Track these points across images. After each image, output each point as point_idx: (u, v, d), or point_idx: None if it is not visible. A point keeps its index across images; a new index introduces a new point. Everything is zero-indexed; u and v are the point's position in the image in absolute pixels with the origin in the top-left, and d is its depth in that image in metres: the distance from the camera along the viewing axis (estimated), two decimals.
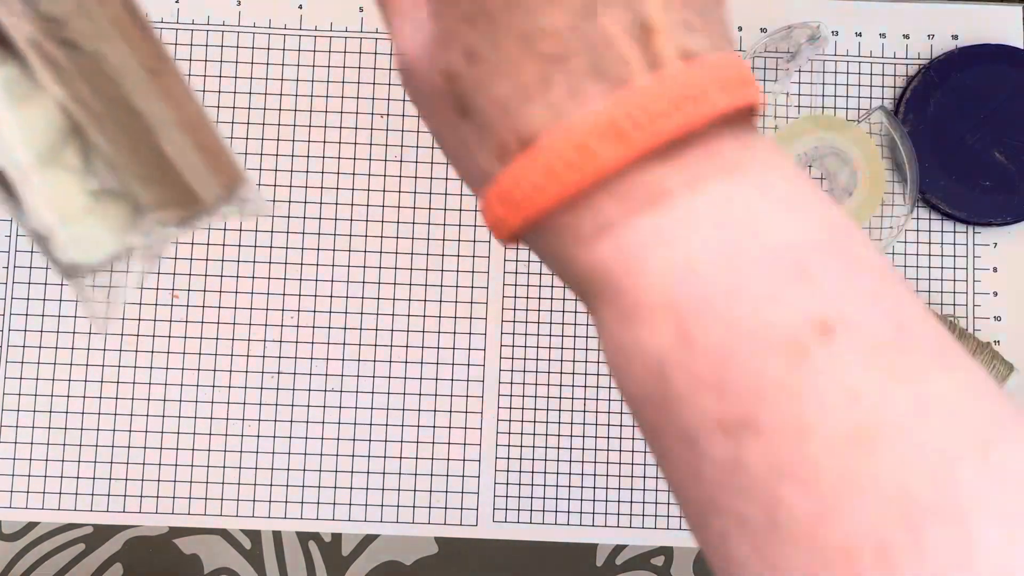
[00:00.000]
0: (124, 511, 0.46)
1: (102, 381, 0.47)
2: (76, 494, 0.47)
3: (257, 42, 0.49)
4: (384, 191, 0.48)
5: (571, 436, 0.47)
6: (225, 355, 0.47)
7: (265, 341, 0.47)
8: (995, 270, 0.49)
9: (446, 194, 0.48)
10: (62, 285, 0.47)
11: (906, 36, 0.50)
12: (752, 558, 0.17)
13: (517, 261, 0.48)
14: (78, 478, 0.47)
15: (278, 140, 0.48)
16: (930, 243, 0.49)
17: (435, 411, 0.47)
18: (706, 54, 0.18)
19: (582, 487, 0.47)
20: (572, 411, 0.48)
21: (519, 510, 0.47)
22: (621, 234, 0.18)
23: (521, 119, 0.18)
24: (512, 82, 0.18)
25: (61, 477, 0.47)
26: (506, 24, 0.18)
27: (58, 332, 0.47)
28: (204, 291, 0.48)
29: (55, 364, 0.47)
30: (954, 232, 0.49)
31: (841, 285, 0.18)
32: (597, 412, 0.48)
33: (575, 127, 0.18)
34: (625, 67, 0.18)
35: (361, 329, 0.48)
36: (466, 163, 0.20)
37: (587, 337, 0.48)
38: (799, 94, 0.50)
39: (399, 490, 0.47)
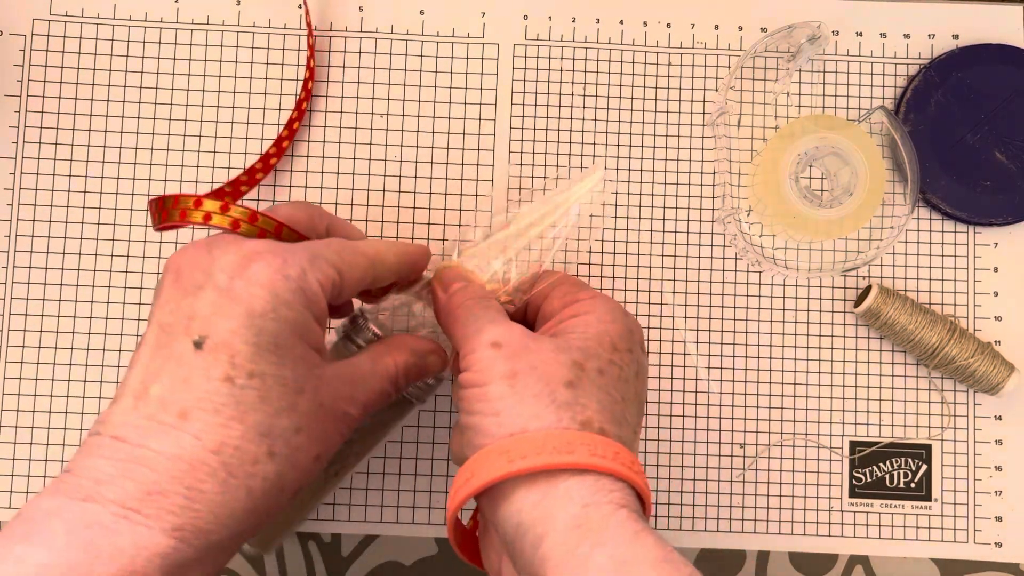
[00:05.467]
0: None
1: (102, 381, 0.47)
2: None
3: (257, 42, 0.49)
4: (384, 191, 0.48)
5: None
6: None
7: None
8: (996, 270, 0.49)
9: (446, 194, 0.48)
10: (61, 285, 0.47)
11: (906, 36, 0.50)
12: None
13: (516, 261, 0.48)
14: None
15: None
16: (930, 243, 0.49)
17: (435, 411, 0.47)
18: (631, 459, 0.33)
19: None
20: None
21: None
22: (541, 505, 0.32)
23: (605, 426, 0.34)
24: (611, 403, 0.34)
25: None
26: (623, 381, 0.35)
27: (57, 332, 0.47)
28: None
29: (55, 364, 0.47)
30: (954, 232, 0.49)
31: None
32: None
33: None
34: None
35: None
36: (544, 413, 0.33)
37: None
38: (799, 94, 0.50)
39: (399, 490, 0.47)
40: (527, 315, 0.40)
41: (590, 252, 0.48)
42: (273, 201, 0.48)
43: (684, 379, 0.48)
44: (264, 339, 0.31)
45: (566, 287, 0.38)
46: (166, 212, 0.35)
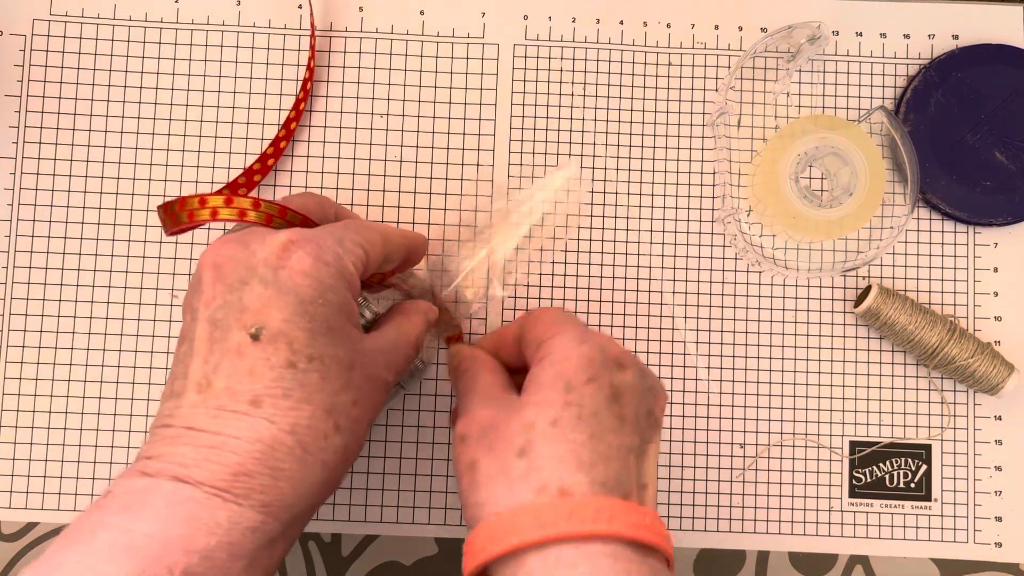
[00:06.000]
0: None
1: (102, 381, 0.47)
2: (76, 494, 0.47)
3: (257, 42, 0.49)
4: (384, 191, 0.48)
5: None
6: None
7: None
8: (995, 270, 0.49)
9: (446, 194, 0.48)
10: (61, 285, 0.47)
11: (906, 36, 0.50)
12: None
13: (516, 261, 0.48)
14: (78, 478, 0.47)
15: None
16: (930, 243, 0.49)
17: (435, 411, 0.47)
18: (657, 520, 0.33)
19: None
20: None
21: None
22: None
23: (567, 480, 0.33)
24: (569, 453, 0.33)
25: (61, 477, 0.47)
26: (584, 424, 0.34)
27: (57, 332, 0.47)
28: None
29: (55, 364, 0.47)
30: (954, 232, 0.49)
31: None
32: None
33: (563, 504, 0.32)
34: (635, 498, 0.34)
35: None
36: (499, 489, 0.33)
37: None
38: (799, 94, 0.50)
39: (399, 490, 0.47)
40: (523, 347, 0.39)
41: (577, 251, 0.48)
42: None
43: (684, 379, 0.48)
44: (317, 324, 0.33)
45: (540, 325, 0.37)
46: (174, 216, 0.36)
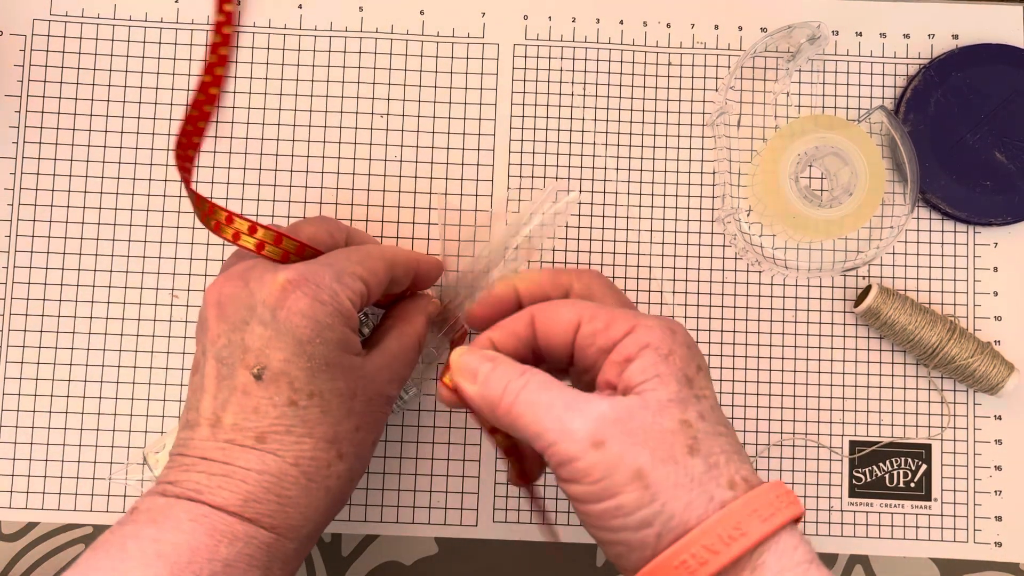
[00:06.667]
0: (124, 511, 0.46)
1: (102, 381, 0.47)
2: (76, 494, 0.47)
3: (257, 42, 0.49)
4: (384, 191, 0.48)
5: None
6: None
7: None
8: (995, 270, 0.49)
9: (446, 194, 0.48)
10: (61, 285, 0.47)
11: (906, 36, 0.50)
12: None
13: (517, 261, 0.48)
14: (78, 478, 0.47)
15: (278, 140, 0.48)
16: (930, 243, 0.49)
17: (435, 411, 0.47)
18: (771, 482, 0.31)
19: None
20: None
21: (519, 510, 0.47)
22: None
23: (740, 470, 0.31)
24: (723, 451, 0.31)
25: (61, 477, 0.47)
26: (716, 415, 0.32)
27: (58, 332, 0.47)
28: (204, 291, 0.48)
29: (55, 364, 0.47)
30: (954, 232, 0.49)
31: None
32: None
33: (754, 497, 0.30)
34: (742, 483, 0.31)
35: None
36: (689, 495, 0.30)
37: None
38: (799, 94, 0.50)
39: (399, 490, 0.47)
40: (536, 341, 0.35)
41: (577, 251, 0.48)
42: (273, 201, 0.48)
43: None
44: (316, 362, 0.34)
45: (592, 318, 0.34)
46: (203, 215, 0.38)
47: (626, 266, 0.48)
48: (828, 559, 0.47)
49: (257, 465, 0.34)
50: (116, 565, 0.32)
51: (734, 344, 0.48)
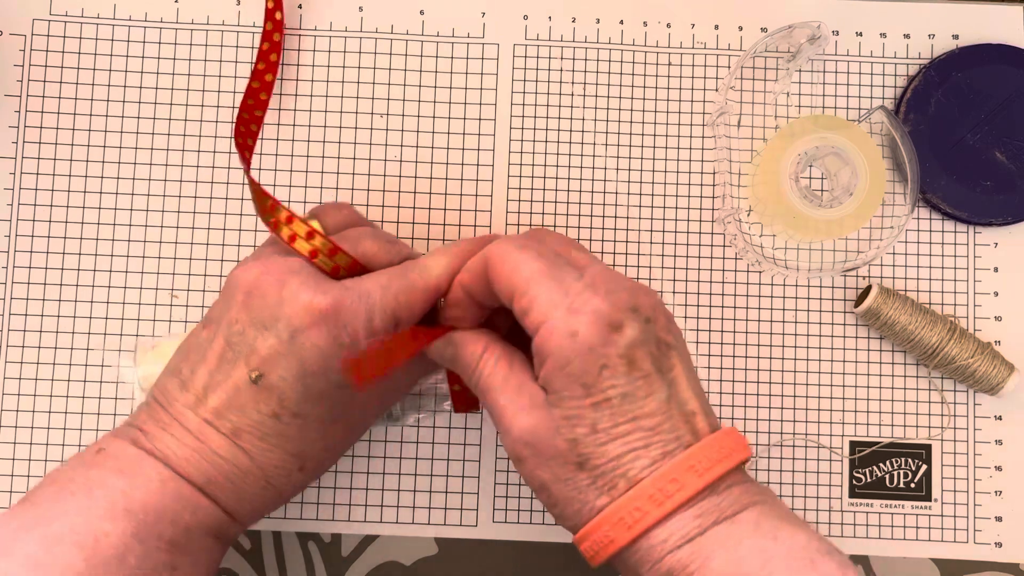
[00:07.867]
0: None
1: (102, 381, 0.47)
2: None
3: (257, 42, 0.49)
4: (384, 191, 0.48)
5: None
6: None
7: None
8: (996, 270, 0.49)
9: (446, 194, 0.48)
10: (61, 285, 0.47)
11: (906, 36, 0.50)
12: None
13: None
14: None
15: (277, 140, 0.48)
16: (930, 243, 0.49)
17: (435, 411, 0.47)
18: (720, 428, 0.34)
19: None
20: None
21: (519, 510, 0.47)
22: (697, 541, 0.32)
23: (630, 469, 0.33)
24: (624, 446, 0.33)
25: None
26: (621, 411, 0.33)
27: (57, 332, 0.47)
28: (204, 291, 0.48)
29: (54, 364, 0.47)
30: (954, 232, 0.49)
31: (835, 570, 0.33)
32: None
33: (669, 470, 0.32)
34: (689, 436, 0.33)
35: None
36: (574, 504, 0.34)
37: None
38: (799, 94, 0.50)
39: (399, 490, 0.47)
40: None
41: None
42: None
43: None
44: (311, 391, 0.35)
45: (506, 279, 0.34)
46: (262, 211, 0.37)
47: (626, 266, 0.48)
48: None
49: (227, 455, 0.35)
50: (83, 512, 0.33)
51: (734, 344, 0.48)
